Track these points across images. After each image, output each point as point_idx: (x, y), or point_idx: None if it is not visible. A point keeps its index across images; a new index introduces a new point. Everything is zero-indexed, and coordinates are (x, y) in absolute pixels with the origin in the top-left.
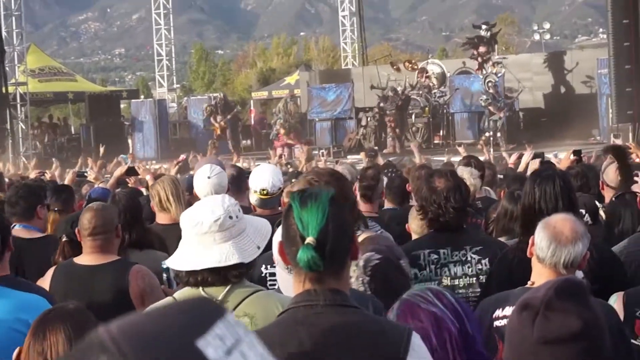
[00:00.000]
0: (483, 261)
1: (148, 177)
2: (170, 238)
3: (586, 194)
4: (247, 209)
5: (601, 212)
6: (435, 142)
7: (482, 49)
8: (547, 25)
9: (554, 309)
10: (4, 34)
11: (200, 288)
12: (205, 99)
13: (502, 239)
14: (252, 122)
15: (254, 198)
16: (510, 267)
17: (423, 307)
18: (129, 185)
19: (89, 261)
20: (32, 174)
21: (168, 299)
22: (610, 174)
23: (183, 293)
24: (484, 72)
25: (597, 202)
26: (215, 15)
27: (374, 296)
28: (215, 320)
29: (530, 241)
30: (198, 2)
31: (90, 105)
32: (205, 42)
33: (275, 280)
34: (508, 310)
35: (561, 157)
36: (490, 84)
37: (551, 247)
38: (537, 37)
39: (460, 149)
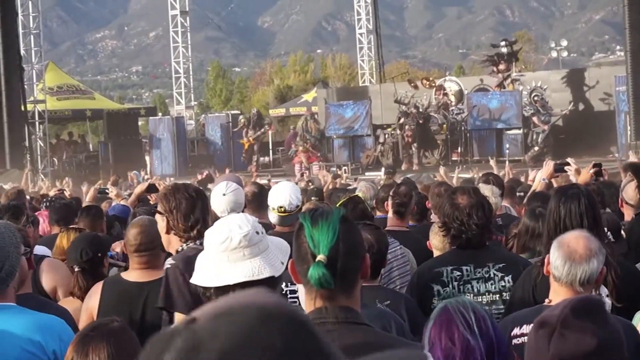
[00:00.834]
0: (506, 278)
1: None
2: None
3: (609, 211)
4: (268, 226)
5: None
6: (453, 158)
7: (501, 66)
8: (564, 43)
9: (569, 327)
10: (22, 52)
11: None
12: (223, 116)
13: (522, 256)
14: (287, 138)
15: (272, 216)
16: (534, 284)
17: (460, 330)
18: (150, 202)
19: (138, 277)
20: (52, 192)
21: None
22: (630, 191)
23: None
24: (530, 87)
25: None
26: (232, 33)
27: (395, 314)
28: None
29: (545, 260)
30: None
31: (109, 123)
32: (222, 59)
33: (296, 297)
34: (526, 329)
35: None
36: (536, 98)
37: (566, 265)
38: (554, 54)
39: (492, 162)
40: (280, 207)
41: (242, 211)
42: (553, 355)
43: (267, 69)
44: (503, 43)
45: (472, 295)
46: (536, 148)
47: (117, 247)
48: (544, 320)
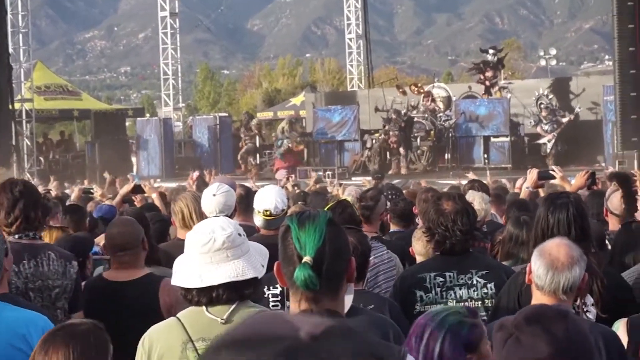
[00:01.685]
0: (489, 285)
1: (154, 195)
2: None
3: (594, 220)
4: (253, 229)
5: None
6: (440, 165)
7: (488, 74)
8: (553, 51)
9: (524, 332)
10: (10, 50)
11: (204, 308)
12: (210, 119)
13: (505, 263)
14: None
15: (257, 219)
16: (520, 291)
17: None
18: (135, 203)
19: (119, 277)
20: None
21: (172, 320)
22: (615, 201)
23: (187, 313)
24: (537, 93)
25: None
26: (221, 35)
27: (394, 323)
28: None
29: (527, 269)
30: (205, 22)
31: (96, 123)
32: (211, 61)
33: (277, 301)
34: None
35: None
36: (542, 106)
37: (549, 274)
38: (543, 62)
39: (470, 175)
40: (266, 210)
41: (232, 214)
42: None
43: (256, 72)
44: (491, 51)
45: (454, 301)
46: (548, 160)
47: (101, 241)
48: (501, 324)
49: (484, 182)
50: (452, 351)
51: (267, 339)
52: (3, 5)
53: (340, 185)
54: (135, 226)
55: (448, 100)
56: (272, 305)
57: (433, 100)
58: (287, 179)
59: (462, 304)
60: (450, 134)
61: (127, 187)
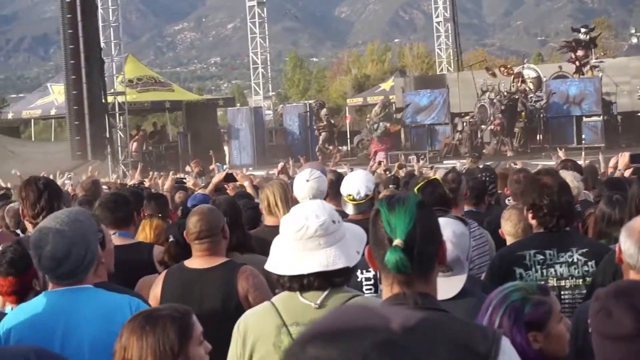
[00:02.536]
0: (589, 263)
1: (246, 184)
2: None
3: None
4: (344, 214)
5: None
6: (532, 146)
7: (580, 53)
8: None
9: (613, 305)
10: (102, 45)
11: (298, 293)
12: (301, 106)
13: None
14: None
15: (344, 203)
16: (615, 271)
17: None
18: (227, 191)
19: (199, 264)
20: (132, 182)
21: (267, 304)
22: None
23: (282, 298)
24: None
25: None
26: (309, 23)
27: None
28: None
29: (617, 248)
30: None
31: (188, 114)
32: (300, 50)
33: (371, 285)
34: None
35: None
36: None
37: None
38: (634, 40)
39: (561, 153)
40: (349, 195)
41: (324, 199)
42: (595, 331)
43: (345, 59)
44: (583, 30)
45: (555, 279)
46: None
47: None
48: (597, 295)
49: (578, 162)
50: (510, 327)
51: (357, 331)
52: (94, 1)
53: (432, 168)
54: (212, 215)
55: (538, 81)
56: (366, 289)
57: (523, 82)
58: (379, 163)
59: (563, 282)
60: (541, 115)
61: (219, 176)
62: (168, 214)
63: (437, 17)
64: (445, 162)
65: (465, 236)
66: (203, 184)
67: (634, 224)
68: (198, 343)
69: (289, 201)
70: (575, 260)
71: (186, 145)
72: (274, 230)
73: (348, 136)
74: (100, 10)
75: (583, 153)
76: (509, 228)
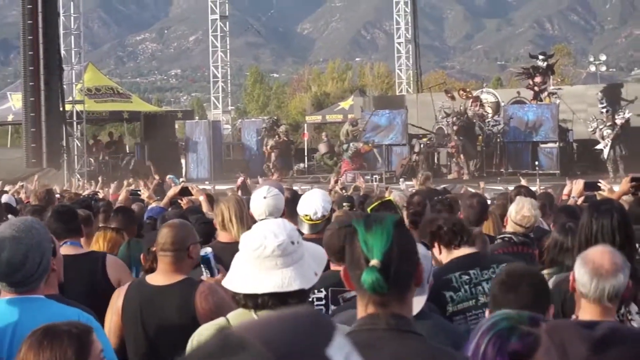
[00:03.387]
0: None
1: (202, 198)
2: (228, 256)
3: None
4: (299, 232)
5: None
6: (488, 170)
7: (537, 79)
8: (603, 57)
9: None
10: (62, 52)
11: (253, 311)
12: (259, 122)
13: (549, 270)
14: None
15: (301, 223)
16: (564, 298)
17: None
18: (181, 205)
19: (159, 281)
20: (85, 193)
21: (221, 320)
22: None
23: (237, 315)
24: (599, 95)
25: None
26: (271, 38)
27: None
28: (334, 331)
29: (571, 277)
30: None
31: (146, 125)
32: (261, 65)
33: (321, 304)
34: None
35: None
36: (603, 109)
37: (593, 282)
38: (592, 68)
39: (524, 182)
40: (306, 215)
41: (281, 217)
42: None
43: (305, 76)
44: (541, 57)
45: (484, 295)
46: (608, 165)
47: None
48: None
49: (531, 188)
50: (494, 356)
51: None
52: (56, 7)
53: (387, 189)
54: (182, 230)
55: (497, 106)
56: (317, 309)
57: (481, 106)
58: (335, 182)
59: None
60: (498, 139)
61: (174, 190)
62: (133, 229)
63: (399, 37)
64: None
65: (427, 258)
66: (158, 197)
67: (588, 254)
68: None
69: (244, 218)
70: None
71: (143, 156)
72: (227, 246)
73: (306, 153)
74: (62, 17)
75: (538, 179)
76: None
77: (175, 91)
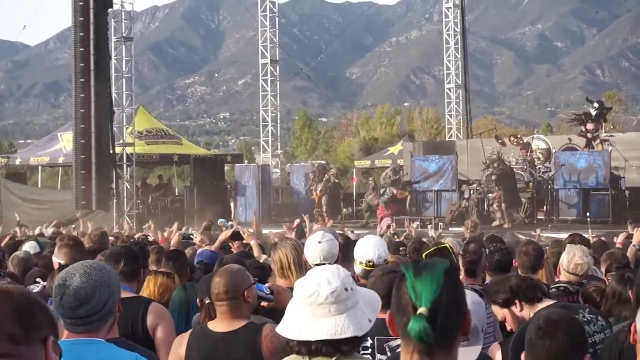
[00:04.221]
0: (599, 318)
1: (253, 243)
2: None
3: None
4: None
5: None
6: (539, 217)
7: (590, 126)
8: None
9: None
10: (114, 95)
11: (307, 358)
12: (308, 166)
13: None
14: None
15: (358, 269)
16: (621, 349)
17: None
18: (232, 249)
19: (222, 327)
20: (136, 235)
21: None
22: None
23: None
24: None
25: None
26: (320, 83)
27: None
28: None
29: (632, 328)
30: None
31: (195, 168)
32: (310, 109)
33: (367, 353)
34: None
35: None
36: None
37: None
38: None
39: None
40: (369, 261)
41: (335, 262)
42: None
43: (354, 120)
44: (596, 105)
45: None
46: None
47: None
48: None
49: (585, 236)
50: None
51: None
52: (107, 50)
53: (438, 235)
54: (234, 277)
55: (547, 152)
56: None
57: (532, 152)
58: (388, 227)
59: (591, 338)
60: (549, 186)
61: (225, 234)
62: (185, 273)
63: (449, 82)
64: (450, 229)
65: (482, 307)
66: (208, 241)
67: None
68: None
69: (302, 263)
70: (588, 318)
71: (192, 199)
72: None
73: (354, 198)
74: (113, 60)
75: (589, 227)
76: None
77: (224, 134)
